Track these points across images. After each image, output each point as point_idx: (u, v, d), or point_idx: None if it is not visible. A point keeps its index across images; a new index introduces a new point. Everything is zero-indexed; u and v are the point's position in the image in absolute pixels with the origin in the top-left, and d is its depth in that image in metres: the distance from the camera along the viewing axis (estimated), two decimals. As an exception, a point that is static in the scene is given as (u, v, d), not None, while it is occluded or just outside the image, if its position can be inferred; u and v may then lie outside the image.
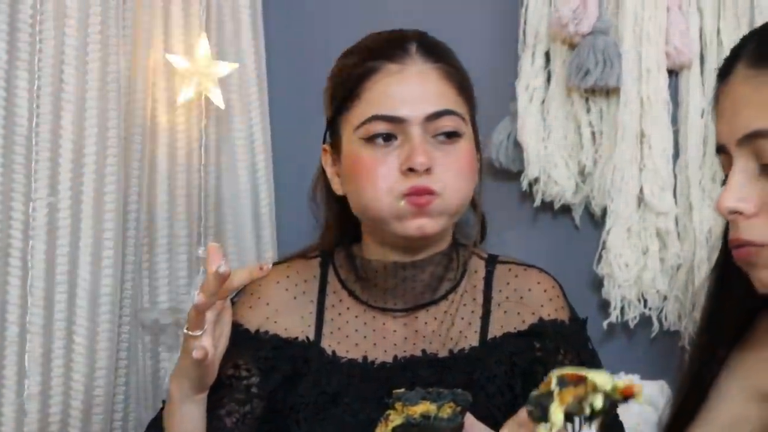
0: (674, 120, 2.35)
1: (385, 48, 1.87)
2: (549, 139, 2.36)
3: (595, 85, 2.32)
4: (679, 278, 2.31)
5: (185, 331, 1.72)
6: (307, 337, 1.89)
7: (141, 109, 2.25)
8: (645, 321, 2.31)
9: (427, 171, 1.80)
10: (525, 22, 2.38)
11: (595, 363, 1.86)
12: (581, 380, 1.42)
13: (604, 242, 2.32)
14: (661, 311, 2.32)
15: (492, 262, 1.94)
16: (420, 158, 1.79)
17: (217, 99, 2.26)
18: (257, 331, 1.89)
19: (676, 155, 2.34)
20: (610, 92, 2.36)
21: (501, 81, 2.36)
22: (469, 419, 1.62)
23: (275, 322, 1.89)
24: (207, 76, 2.27)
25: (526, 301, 1.90)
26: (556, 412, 1.41)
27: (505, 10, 2.39)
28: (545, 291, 1.92)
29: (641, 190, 2.32)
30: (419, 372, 1.85)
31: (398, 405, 1.58)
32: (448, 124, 1.83)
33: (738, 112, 1.43)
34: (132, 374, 2.24)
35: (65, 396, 2.11)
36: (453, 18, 2.37)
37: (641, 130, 2.34)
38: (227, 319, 1.77)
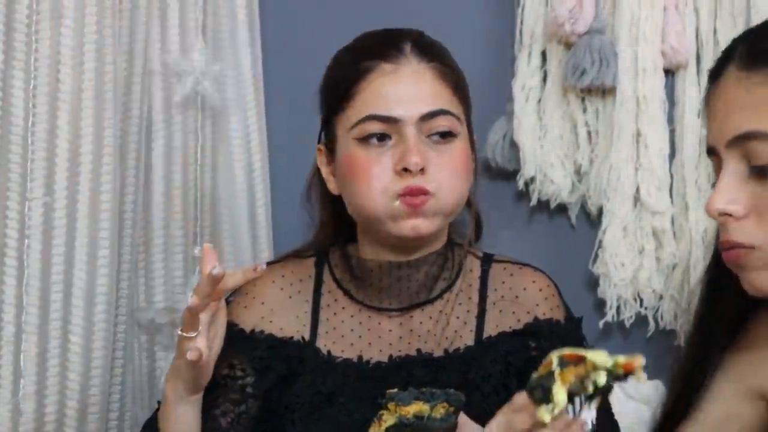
0: (670, 119, 2.35)
1: (380, 47, 1.86)
2: (545, 138, 2.35)
3: (592, 84, 2.31)
4: (675, 278, 2.30)
5: (179, 332, 1.72)
6: (303, 337, 1.88)
7: (137, 109, 2.24)
8: (641, 320, 2.31)
9: (422, 171, 1.78)
10: (521, 22, 2.37)
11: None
12: (581, 360, 1.41)
13: (600, 241, 2.31)
14: (657, 310, 2.31)
15: (487, 261, 1.94)
16: (414, 158, 1.78)
17: (214, 99, 2.26)
18: (252, 330, 1.88)
19: (673, 155, 2.33)
20: (606, 92, 2.35)
21: (497, 80, 2.35)
22: (463, 419, 1.61)
23: (270, 321, 1.89)
24: (203, 75, 2.26)
25: (522, 300, 1.89)
26: (559, 392, 1.40)
27: (501, 10, 2.38)
28: (540, 290, 1.91)
29: (637, 190, 2.31)
30: (414, 371, 1.84)
31: (391, 405, 1.57)
32: (442, 123, 1.82)
33: (728, 113, 1.42)
34: (128, 374, 2.24)
35: (61, 395, 2.10)
36: (449, 17, 2.36)
37: (637, 130, 2.33)
38: (222, 320, 1.76)
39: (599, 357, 1.41)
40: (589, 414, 1.42)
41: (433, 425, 1.55)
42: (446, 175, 1.80)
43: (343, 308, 1.90)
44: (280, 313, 1.89)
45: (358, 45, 1.90)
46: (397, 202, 1.79)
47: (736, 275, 1.47)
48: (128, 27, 2.24)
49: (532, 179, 2.33)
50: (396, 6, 2.36)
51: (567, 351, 1.43)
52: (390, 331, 1.88)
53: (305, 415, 1.83)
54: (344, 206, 1.87)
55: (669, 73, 2.37)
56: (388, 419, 1.57)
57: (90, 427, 2.11)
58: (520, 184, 2.33)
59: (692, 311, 1.62)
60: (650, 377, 2.18)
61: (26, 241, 2.08)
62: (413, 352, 1.86)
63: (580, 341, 1.89)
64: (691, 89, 2.35)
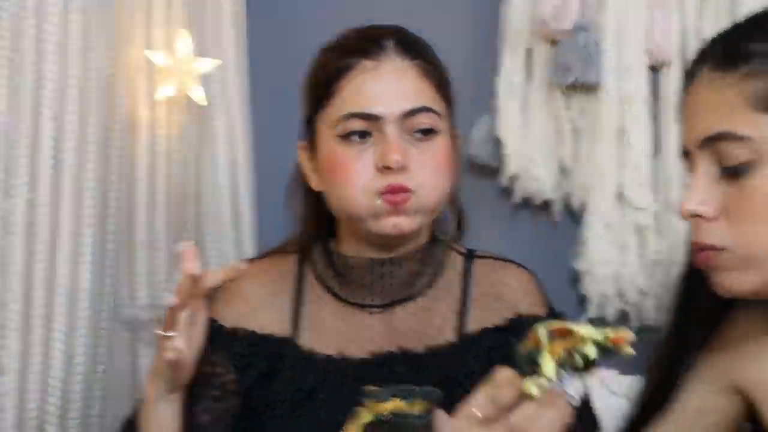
0: (655, 117, 2.35)
1: (362, 45, 1.84)
2: (529, 135, 2.35)
3: (576, 82, 2.31)
4: (658, 274, 2.31)
5: (159, 332, 1.71)
6: (284, 334, 1.87)
7: (121, 106, 2.23)
8: (623, 316, 2.31)
9: (403, 168, 1.77)
10: (506, 19, 2.37)
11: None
12: (568, 333, 1.39)
13: (583, 238, 2.32)
14: (640, 307, 2.32)
15: (470, 257, 1.93)
16: (395, 156, 1.77)
17: (198, 95, 2.25)
18: (233, 327, 1.86)
19: (656, 152, 2.33)
20: (590, 89, 2.35)
21: (482, 77, 2.35)
22: (441, 415, 1.60)
23: (252, 318, 1.87)
24: (188, 72, 2.25)
25: (504, 296, 1.88)
26: (548, 365, 1.37)
27: (486, 7, 2.38)
28: (523, 286, 1.90)
29: (621, 187, 2.32)
30: (396, 368, 1.83)
31: (368, 402, 1.56)
32: (424, 121, 1.81)
33: (700, 114, 1.42)
34: (111, 370, 2.23)
35: (42, 393, 2.09)
36: (434, 14, 2.36)
37: (621, 127, 2.33)
38: (203, 318, 1.75)
39: (587, 330, 1.38)
40: (576, 388, 1.40)
41: (410, 422, 1.54)
42: (428, 173, 1.79)
43: (325, 305, 1.89)
44: (262, 309, 1.88)
45: (340, 42, 1.89)
46: (379, 200, 1.78)
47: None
48: (113, 22, 2.23)
49: (516, 176, 2.33)
50: (382, 2, 2.36)
51: (554, 324, 1.41)
52: (372, 327, 1.87)
53: (286, 411, 1.82)
54: (326, 203, 1.86)
55: (654, 70, 2.37)
56: (366, 416, 1.56)
57: (71, 423, 2.10)
58: (504, 180, 2.33)
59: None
60: (633, 373, 2.20)
61: (9, 237, 2.06)
62: (395, 349, 1.85)
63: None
64: (676, 87, 2.35)
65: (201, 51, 2.30)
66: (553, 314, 1.90)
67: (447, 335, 1.86)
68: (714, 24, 2.33)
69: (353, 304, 1.88)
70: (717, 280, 1.43)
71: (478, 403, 1.40)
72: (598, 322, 2.32)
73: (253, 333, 1.86)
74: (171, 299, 1.67)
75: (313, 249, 1.93)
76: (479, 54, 2.37)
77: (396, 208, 1.78)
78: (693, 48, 2.33)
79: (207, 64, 2.25)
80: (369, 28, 1.89)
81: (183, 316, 1.70)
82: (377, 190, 1.77)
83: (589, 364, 1.39)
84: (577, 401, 1.41)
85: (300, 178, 1.94)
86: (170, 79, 2.23)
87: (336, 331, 1.87)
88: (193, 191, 2.30)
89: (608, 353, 1.39)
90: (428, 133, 1.81)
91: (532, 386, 1.37)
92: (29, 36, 2.09)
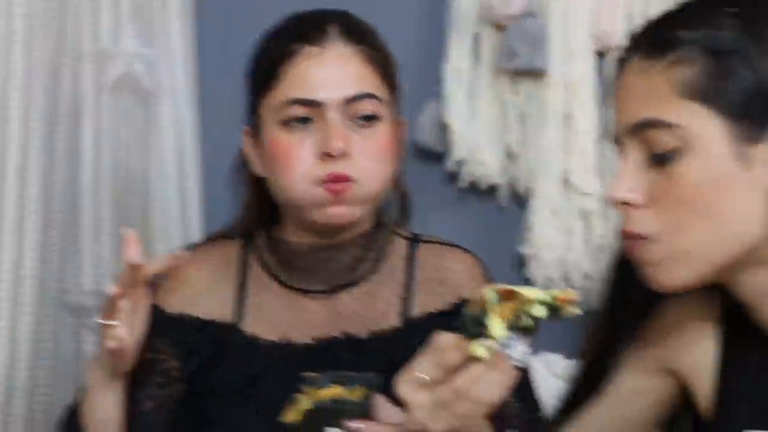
0: (601, 103, 2.35)
1: (305, 30, 1.83)
2: (475, 120, 2.35)
3: (523, 67, 2.31)
4: (603, 259, 2.31)
5: (100, 320, 1.70)
6: (227, 320, 1.86)
7: (67, 92, 2.22)
8: (576, 302, 2.31)
9: (345, 155, 1.75)
10: (453, 5, 2.36)
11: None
12: (514, 295, 1.37)
13: (528, 223, 2.32)
14: (585, 291, 2.32)
15: (415, 242, 1.91)
16: (337, 143, 1.75)
17: (145, 82, 2.24)
18: (176, 313, 1.83)
19: (602, 138, 2.33)
20: (537, 75, 2.34)
21: (428, 63, 2.35)
22: (380, 401, 1.60)
23: (195, 304, 1.85)
24: (135, 58, 2.24)
25: (449, 280, 1.87)
26: (497, 327, 1.35)
27: (433, -8, 2.38)
28: (467, 270, 1.89)
29: (567, 172, 2.32)
30: (340, 353, 1.82)
31: (308, 389, 1.56)
32: (367, 107, 1.80)
33: (630, 101, 1.41)
34: (57, 357, 2.21)
35: (-14, 379, 2.09)
36: None
37: (568, 113, 2.33)
38: (144, 306, 1.74)
39: (532, 291, 1.37)
40: (522, 351, 1.40)
41: (349, 408, 1.54)
42: (370, 161, 1.78)
43: (269, 290, 1.87)
44: (205, 295, 1.86)
45: (284, 27, 1.87)
46: (320, 189, 1.77)
47: None
48: (58, 8, 2.21)
49: (462, 161, 2.33)
50: (329, -13, 2.34)
51: (499, 286, 1.39)
52: (316, 313, 1.86)
53: (230, 397, 1.80)
54: (269, 189, 1.86)
55: (601, 56, 2.37)
56: (305, 403, 1.56)
57: (17, 411, 2.09)
58: (450, 165, 2.33)
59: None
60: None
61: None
62: (339, 334, 1.84)
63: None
64: (622, 72, 2.35)
65: (147, 37, 2.28)
66: (497, 299, 1.90)
67: (391, 320, 1.85)
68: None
69: (297, 290, 1.87)
70: (648, 275, 1.43)
71: (422, 368, 1.39)
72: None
73: (197, 319, 1.85)
74: (111, 288, 1.66)
75: (256, 234, 1.92)
76: (426, 39, 2.36)
77: (337, 197, 1.77)
78: (639, 34, 2.34)
79: (153, 50, 2.24)
80: (314, 14, 1.88)
81: (124, 304, 1.68)
82: (318, 178, 1.76)
83: (534, 326, 1.38)
84: (522, 364, 1.41)
85: (244, 164, 1.93)
86: (116, 67, 2.22)
87: (280, 316, 1.86)
88: (140, 178, 2.29)
89: (555, 313, 1.38)
90: (371, 119, 1.80)
91: (479, 348, 1.36)
92: (-28, 22, 2.08)
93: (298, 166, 1.77)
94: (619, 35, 2.33)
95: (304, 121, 1.78)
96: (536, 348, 2.13)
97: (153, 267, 1.70)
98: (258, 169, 1.87)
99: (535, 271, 2.31)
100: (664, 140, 1.37)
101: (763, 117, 1.35)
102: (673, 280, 1.41)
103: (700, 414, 1.49)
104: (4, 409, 2.08)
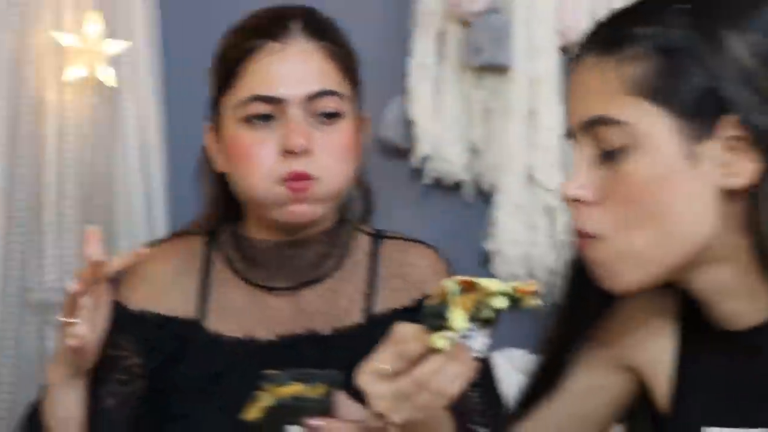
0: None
1: (268, 26, 1.82)
2: (440, 116, 2.35)
3: (487, 63, 2.31)
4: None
5: (60, 318, 1.69)
6: (191, 316, 1.84)
7: (29, 88, 2.21)
8: (537, 293, 2.31)
9: (306, 152, 1.74)
10: (418, 0, 2.36)
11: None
12: (475, 287, 1.36)
13: (493, 219, 2.32)
14: (550, 286, 2.33)
15: (378, 238, 1.90)
16: (298, 140, 1.74)
17: (108, 77, 2.23)
18: (139, 310, 1.82)
19: (566, 133, 2.34)
20: (501, 71, 2.35)
21: (394, 58, 2.35)
22: (342, 398, 1.60)
23: (158, 301, 1.83)
24: (97, 53, 2.23)
25: (412, 276, 1.86)
26: (458, 318, 1.34)
27: (398, -12, 2.38)
28: (430, 266, 1.88)
29: (531, 168, 2.33)
30: (303, 350, 1.81)
31: (269, 386, 1.56)
32: (329, 104, 1.79)
33: (582, 97, 1.41)
34: (21, 355, 2.21)
35: (-52, 377, 2.07)
36: (346, -5, 2.35)
37: (532, 109, 2.34)
38: (106, 303, 1.73)
39: (493, 283, 1.36)
40: (482, 343, 1.39)
41: (309, 405, 1.54)
42: (331, 158, 1.77)
43: (233, 287, 1.86)
44: (168, 292, 1.85)
45: (247, 23, 1.86)
46: (281, 188, 1.75)
47: None
48: (20, 3, 2.20)
49: (427, 157, 2.33)
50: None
51: (460, 278, 1.38)
52: (279, 310, 1.85)
53: (193, 394, 1.79)
54: (231, 186, 1.85)
55: (565, 51, 2.37)
56: (266, 400, 1.55)
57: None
58: (415, 161, 2.33)
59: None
60: (541, 352, 2.21)
61: None
62: (302, 331, 1.84)
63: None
64: (586, 68, 2.36)
65: (111, 32, 2.27)
66: (461, 295, 1.90)
67: (355, 317, 1.85)
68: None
69: (260, 287, 1.86)
70: (599, 274, 1.43)
71: (382, 359, 1.38)
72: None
73: (160, 315, 1.84)
74: (73, 285, 1.65)
75: (220, 231, 1.91)
76: (391, 35, 2.36)
77: (298, 196, 1.76)
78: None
79: (117, 46, 2.23)
80: (277, 9, 1.87)
81: (85, 301, 1.68)
82: (279, 176, 1.75)
83: (495, 318, 1.38)
84: (482, 355, 1.40)
85: (208, 161, 1.92)
86: (79, 61, 2.21)
87: (243, 313, 1.85)
88: (104, 173, 2.28)
89: (516, 305, 1.37)
90: (333, 116, 1.79)
91: (439, 340, 1.35)
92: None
93: (259, 164, 1.76)
94: (582, 31, 2.33)
95: (266, 118, 1.77)
96: (500, 344, 2.14)
97: (114, 264, 1.69)
98: (220, 165, 1.86)
99: (499, 266, 2.31)
100: (614, 137, 1.37)
101: (711, 115, 1.34)
102: (624, 281, 1.40)
103: (658, 410, 1.49)
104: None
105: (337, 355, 1.79)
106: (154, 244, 1.91)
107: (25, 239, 2.21)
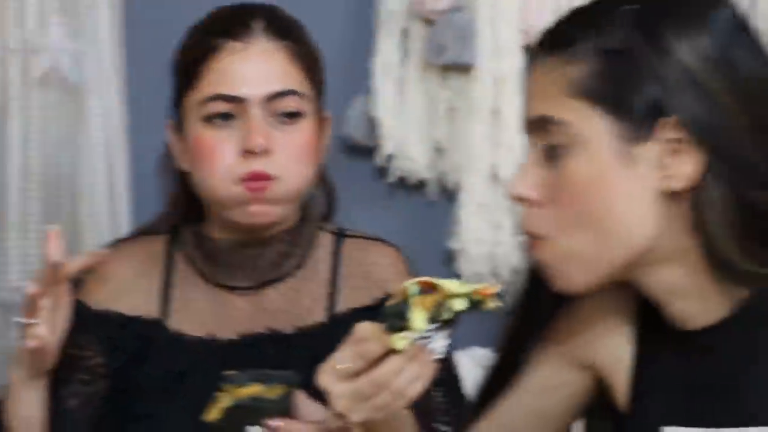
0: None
1: (230, 25, 1.81)
2: (404, 115, 2.35)
3: (451, 62, 2.32)
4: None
5: (20, 319, 1.68)
6: (153, 316, 1.84)
7: (-7, 86, 2.20)
8: (498, 295, 2.32)
9: (266, 152, 1.73)
10: (382, -1, 2.37)
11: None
12: (435, 288, 1.36)
13: (457, 217, 2.32)
14: (514, 286, 2.33)
15: (340, 236, 1.90)
16: (258, 139, 1.73)
17: (73, 76, 2.22)
18: (101, 309, 1.81)
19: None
20: (465, 69, 2.35)
21: (358, 57, 2.34)
22: (302, 398, 1.60)
23: (120, 300, 1.82)
24: (61, 52, 2.22)
25: (374, 275, 1.86)
26: (418, 319, 1.35)
27: (362, -14, 2.37)
28: (392, 265, 1.88)
29: (495, 167, 2.33)
30: (265, 350, 1.81)
31: (227, 386, 1.56)
32: (290, 104, 1.78)
33: (531, 97, 1.41)
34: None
35: None
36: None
37: (496, 107, 2.34)
38: (66, 303, 1.72)
39: (453, 284, 1.36)
40: (442, 343, 1.40)
41: (268, 406, 1.54)
42: (291, 159, 1.76)
43: (195, 286, 1.85)
44: (130, 291, 1.84)
45: (209, 22, 1.85)
46: (240, 188, 1.75)
47: None
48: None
49: (391, 156, 2.33)
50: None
51: (421, 279, 1.38)
52: (242, 309, 1.85)
53: (157, 393, 1.79)
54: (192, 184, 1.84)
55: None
56: (225, 400, 1.55)
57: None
58: (379, 160, 2.33)
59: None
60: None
61: None
62: (264, 330, 1.84)
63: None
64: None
65: (75, 30, 2.26)
66: (423, 294, 1.90)
67: (317, 316, 1.85)
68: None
69: (223, 286, 1.85)
70: (549, 275, 1.43)
71: (343, 358, 1.39)
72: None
73: (122, 315, 1.83)
74: (31, 286, 1.65)
75: (182, 230, 1.90)
76: (355, 33, 2.35)
77: (256, 196, 1.75)
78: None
79: (81, 43, 2.22)
80: (239, 7, 1.86)
81: (45, 302, 1.67)
82: (238, 176, 1.74)
83: (455, 319, 1.38)
84: (442, 356, 1.41)
85: (170, 159, 1.92)
86: (43, 59, 2.20)
87: (205, 313, 1.84)
88: (68, 172, 2.27)
89: (476, 307, 1.37)
90: (294, 116, 1.78)
91: (399, 341, 1.35)
92: None
93: (219, 163, 1.75)
94: (546, 30, 2.33)
95: (227, 117, 1.77)
96: (464, 342, 2.15)
97: (74, 265, 1.68)
98: (182, 164, 1.85)
99: (463, 265, 2.31)
100: (555, 137, 1.38)
101: (651, 117, 1.35)
102: (571, 282, 1.40)
103: (617, 409, 1.50)
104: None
105: (300, 354, 1.79)
106: (117, 243, 1.91)
107: (-12, 238, 2.20)
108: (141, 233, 1.93)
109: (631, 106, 1.34)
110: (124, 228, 2.28)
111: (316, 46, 1.87)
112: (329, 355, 1.64)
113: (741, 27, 1.39)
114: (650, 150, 1.35)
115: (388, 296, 1.82)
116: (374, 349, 1.37)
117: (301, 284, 1.86)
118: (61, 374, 1.77)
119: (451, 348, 1.45)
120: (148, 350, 1.82)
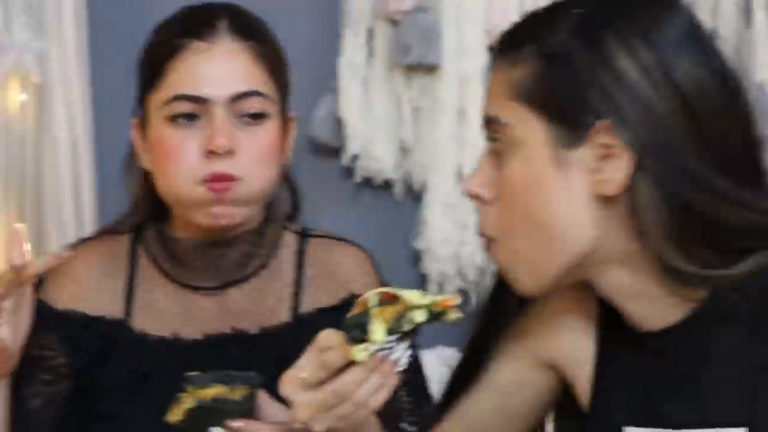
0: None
1: (194, 25, 1.80)
2: (370, 115, 2.35)
3: (417, 62, 2.31)
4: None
5: None
6: (116, 315, 1.82)
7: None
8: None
9: (230, 153, 1.72)
10: (347, -1, 2.36)
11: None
12: (396, 299, 1.37)
13: (423, 217, 2.32)
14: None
15: (304, 236, 1.89)
16: (220, 140, 1.72)
17: (37, 75, 2.21)
18: (64, 309, 1.80)
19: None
20: (430, 69, 2.35)
21: (323, 57, 2.34)
22: (265, 399, 1.59)
23: (83, 299, 1.81)
24: (25, 50, 2.21)
25: (339, 275, 1.85)
26: (377, 330, 1.35)
27: (326, -14, 2.37)
28: (358, 265, 1.87)
29: (460, 166, 2.33)
30: (229, 350, 1.80)
31: (190, 388, 1.55)
32: (254, 105, 1.77)
33: (486, 97, 1.42)
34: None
35: None
36: (274, -7, 2.34)
37: (461, 107, 2.34)
38: (27, 304, 1.70)
39: (414, 295, 1.37)
40: (403, 353, 1.40)
41: (231, 407, 1.53)
42: (255, 160, 1.75)
43: (159, 286, 1.84)
44: (93, 291, 1.83)
45: (173, 21, 1.83)
46: (202, 188, 1.73)
47: None
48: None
49: (357, 156, 2.33)
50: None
51: (382, 290, 1.39)
52: (206, 309, 1.84)
53: (120, 394, 1.78)
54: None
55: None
56: (187, 402, 1.55)
57: None
58: (345, 160, 2.33)
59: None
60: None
61: None
62: (229, 330, 1.83)
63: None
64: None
65: (39, 29, 2.25)
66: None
67: (281, 316, 1.84)
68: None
69: (187, 286, 1.84)
70: (504, 276, 1.44)
71: (305, 368, 1.38)
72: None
73: (85, 315, 1.81)
74: None
75: (146, 230, 1.89)
76: (321, 33, 2.35)
77: (219, 197, 1.74)
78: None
79: (45, 42, 2.21)
80: (204, 7, 1.85)
81: (7, 304, 1.65)
82: (201, 176, 1.73)
83: (415, 330, 1.38)
84: (403, 366, 1.41)
85: (134, 157, 1.90)
86: (7, 58, 2.19)
87: (169, 313, 1.83)
88: (32, 172, 2.25)
89: (436, 318, 1.37)
90: (257, 117, 1.77)
91: (359, 352, 1.36)
92: None
93: (182, 163, 1.74)
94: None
95: (190, 117, 1.76)
96: (431, 342, 2.14)
97: (36, 267, 1.66)
98: (145, 163, 1.84)
99: (429, 265, 2.31)
100: (500, 138, 1.38)
101: (582, 122, 1.35)
102: (521, 284, 1.41)
103: (581, 408, 1.50)
104: None
105: (265, 354, 1.79)
106: (81, 242, 1.89)
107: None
108: (105, 233, 1.91)
109: (566, 110, 1.35)
110: (89, 227, 2.27)
111: (281, 46, 1.86)
112: (294, 355, 1.64)
113: (691, 35, 1.38)
114: (583, 154, 1.35)
115: (353, 296, 1.83)
116: (336, 359, 1.37)
117: (266, 284, 1.85)
118: (24, 374, 1.76)
119: (416, 348, 1.44)
120: (111, 350, 1.81)
